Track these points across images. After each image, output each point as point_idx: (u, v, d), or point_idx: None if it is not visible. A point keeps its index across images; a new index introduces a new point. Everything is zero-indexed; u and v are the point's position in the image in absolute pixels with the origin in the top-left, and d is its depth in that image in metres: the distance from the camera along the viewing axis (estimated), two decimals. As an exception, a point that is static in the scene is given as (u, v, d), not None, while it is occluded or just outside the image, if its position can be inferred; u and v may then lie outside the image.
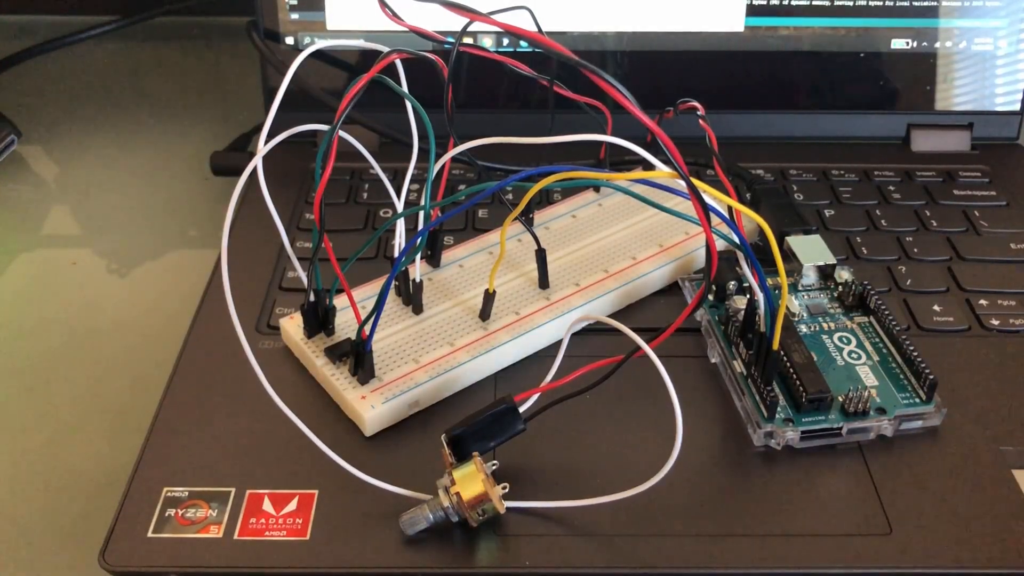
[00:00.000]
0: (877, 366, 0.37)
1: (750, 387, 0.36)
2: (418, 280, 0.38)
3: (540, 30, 0.38)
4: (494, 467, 0.32)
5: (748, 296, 0.37)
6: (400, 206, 0.38)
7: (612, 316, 0.39)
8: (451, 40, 0.36)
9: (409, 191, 0.48)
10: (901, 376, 0.36)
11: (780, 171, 0.51)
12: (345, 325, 0.38)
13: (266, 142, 0.32)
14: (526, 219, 0.42)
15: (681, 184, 0.30)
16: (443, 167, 0.37)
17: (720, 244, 0.33)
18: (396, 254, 0.40)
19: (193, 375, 0.38)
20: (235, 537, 0.32)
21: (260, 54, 0.51)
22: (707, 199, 0.30)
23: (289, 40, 0.52)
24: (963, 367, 0.38)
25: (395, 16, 0.38)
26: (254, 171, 0.31)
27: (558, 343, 0.35)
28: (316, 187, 0.34)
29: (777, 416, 0.34)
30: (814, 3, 0.51)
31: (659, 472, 0.31)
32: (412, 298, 0.39)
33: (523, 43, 0.52)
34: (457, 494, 0.31)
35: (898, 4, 0.51)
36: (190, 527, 0.32)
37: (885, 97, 0.53)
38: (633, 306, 0.41)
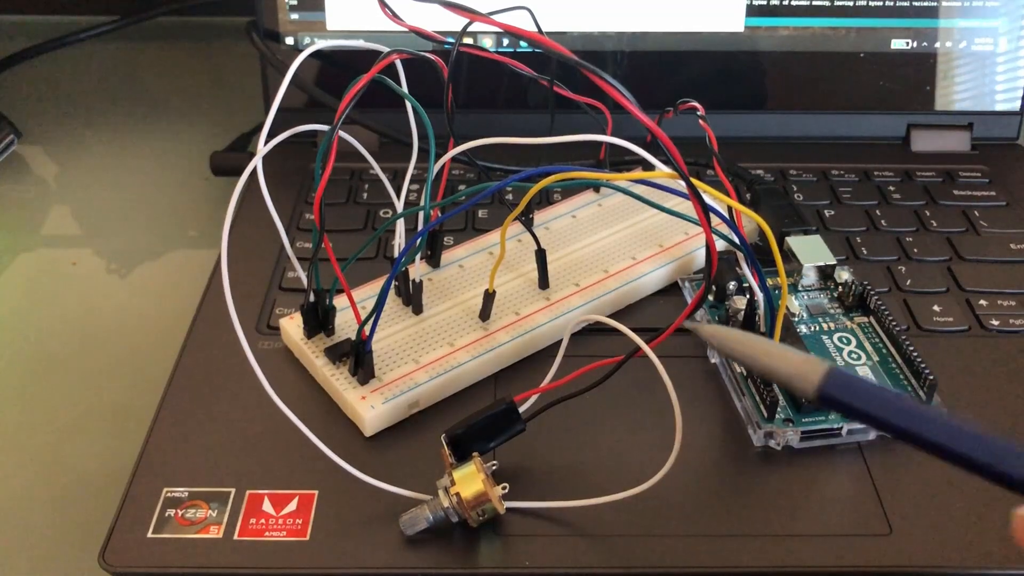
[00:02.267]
0: (877, 366, 0.37)
1: (750, 387, 0.36)
2: (418, 280, 0.38)
3: (540, 30, 0.38)
4: (494, 467, 0.32)
5: (748, 296, 0.37)
6: (400, 206, 0.38)
7: (612, 316, 0.39)
8: (451, 40, 0.36)
9: (409, 191, 0.48)
10: (901, 376, 0.36)
11: (780, 171, 0.51)
12: (345, 325, 0.38)
13: (266, 142, 0.32)
14: (526, 219, 0.42)
15: (681, 184, 0.30)
16: (443, 167, 0.37)
17: (720, 244, 0.33)
18: (396, 254, 0.40)
19: (193, 375, 0.38)
20: (235, 537, 0.32)
21: (260, 54, 0.51)
22: (707, 199, 0.30)
23: (289, 40, 0.52)
24: (963, 367, 0.38)
25: (395, 16, 0.38)
26: (254, 171, 0.31)
27: (558, 343, 0.35)
28: (316, 187, 0.34)
29: (777, 416, 0.34)
30: (814, 3, 0.51)
31: (659, 472, 0.31)
32: (412, 298, 0.39)
33: (523, 43, 0.52)
34: (457, 494, 0.31)
35: (898, 4, 0.51)
36: (190, 527, 0.32)
37: (885, 97, 0.53)
38: (633, 306, 0.41)
